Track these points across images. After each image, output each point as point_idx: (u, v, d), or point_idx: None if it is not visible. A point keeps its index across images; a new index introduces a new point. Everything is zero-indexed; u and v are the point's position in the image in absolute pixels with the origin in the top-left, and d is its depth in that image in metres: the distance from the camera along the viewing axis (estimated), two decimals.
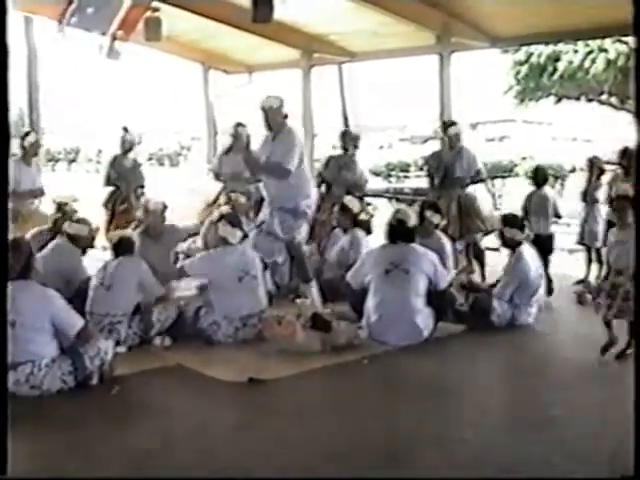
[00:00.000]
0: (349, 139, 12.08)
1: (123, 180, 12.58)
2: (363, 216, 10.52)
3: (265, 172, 9.32)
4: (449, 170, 11.07)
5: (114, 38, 12.53)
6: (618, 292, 7.29)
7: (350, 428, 5.82)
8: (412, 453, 5.41)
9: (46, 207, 11.08)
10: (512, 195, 18.56)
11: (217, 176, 12.25)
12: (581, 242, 11.26)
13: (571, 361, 7.50)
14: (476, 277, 10.45)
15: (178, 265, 9.16)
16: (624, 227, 7.73)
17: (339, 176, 11.71)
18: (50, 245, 9.05)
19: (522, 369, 7.49)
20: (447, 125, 11.52)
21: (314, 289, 9.41)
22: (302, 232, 9.48)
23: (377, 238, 9.69)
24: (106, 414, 6.23)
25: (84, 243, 9.10)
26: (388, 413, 6.15)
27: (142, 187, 12.73)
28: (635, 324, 4.30)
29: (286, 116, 9.35)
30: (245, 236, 8.73)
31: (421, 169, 11.97)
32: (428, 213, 9.63)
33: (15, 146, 11.71)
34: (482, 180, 11.42)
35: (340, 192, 11.36)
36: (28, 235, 9.44)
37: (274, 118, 9.20)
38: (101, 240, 10.35)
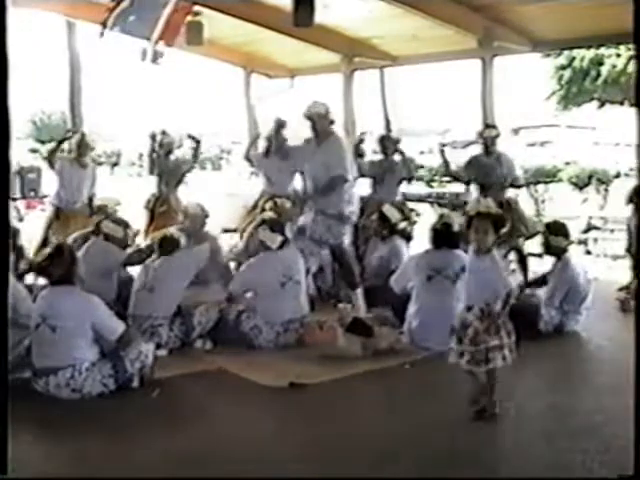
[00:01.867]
0: (389, 143, 12.01)
1: (163, 182, 12.61)
2: (402, 225, 10.42)
3: (329, 190, 9.26)
4: (488, 175, 11.04)
5: (157, 42, 12.56)
6: (467, 333, 5.96)
7: (391, 433, 5.79)
8: (452, 458, 5.38)
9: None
10: (555, 200, 18.45)
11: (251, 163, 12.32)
12: (629, 249, 11.12)
13: (615, 368, 7.39)
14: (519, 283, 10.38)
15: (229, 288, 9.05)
16: (481, 253, 6.10)
17: (383, 180, 11.66)
18: (86, 244, 9.07)
19: (566, 375, 7.42)
20: (485, 127, 11.52)
21: (360, 295, 9.36)
22: (347, 237, 9.46)
23: (418, 245, 9.65)
24: (146, 417, 6.24)
25: (119, 243, 9.11)
26: (429, 418, 6.11)
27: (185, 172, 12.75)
28: (636, 322, 4.01)
29: (332, 122, 9.32)
30: (285, 241, 8.69)
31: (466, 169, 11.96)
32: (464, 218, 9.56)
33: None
34: (519, 186, 11.37)
35: (383, 196, 11.30)
36: (70, 239, 9.51)
37: (321, 125, 9.18)
38: (142, 242, 10.40)
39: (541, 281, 9.16)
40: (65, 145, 11.85)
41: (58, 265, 6.76)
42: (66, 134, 12.29)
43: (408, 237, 10.34)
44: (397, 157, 11.92)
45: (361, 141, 12.32)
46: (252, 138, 12.99)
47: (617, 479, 4.41)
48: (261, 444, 5.72)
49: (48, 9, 13.79)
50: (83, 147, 11.78)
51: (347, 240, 9.46)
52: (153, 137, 12.66)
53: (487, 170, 11.12)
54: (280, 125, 11.16)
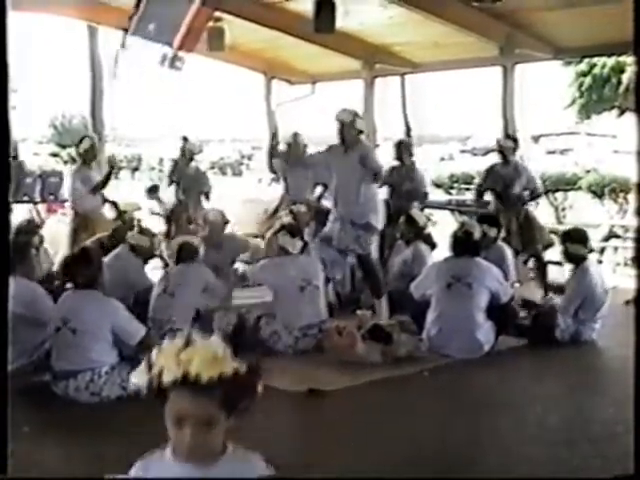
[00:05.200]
0: (404, 149, 12.01)
1: (181, 189, 12.64)
2: (428, 229, 10.41)
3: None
4: (507, 186, 11.02)
5: (179, 49, 12.60)
6: None
7: (409, 440, 5.78)
8: (470, 466, 5.38)
9: (110, 214, 11.17)
10: (576, 208, 18.39)
11: (277, 176, 12.43)
12: None
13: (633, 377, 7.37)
14: (538, 290, 10.37)
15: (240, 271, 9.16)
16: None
17: (401, 187, 11.66)
18: (112, 253, 9.13)
19: (584, 385, 7.40)
20: (505, 138, 11.50)
21: (384, 303, 9.35)
22: (373, 247, 9.47)
23: (440, 252, 9.64)
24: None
25: (145, 253, 9.17)
26: (447, 426, 6.09)
27: (207, 193, 12.74)
28: (635, 322, 3.91)
29: (361, 132, 9.32)
30: (305, 245, 8.72)
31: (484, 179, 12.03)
32: (484, 227, 9.57)
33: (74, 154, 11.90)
34: (538, 196, 11.35)
35: (402, 203, 11.31)
36: (88, 242, 9.56)
37: (349, 131, 9.17)
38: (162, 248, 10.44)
39: (560, 290, 9.16)
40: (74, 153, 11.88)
41: (84, 269, 6.82)
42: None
43: (432, 245, 10.31)
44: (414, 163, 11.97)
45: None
46: (269, 150, 13.09)
47: (617, 479, 4.40)
48: (277, 449, 5.72)
49: (68, 14, 13.88)
50: (92, 153, 11.77)
51: (373, 250, 9.47)
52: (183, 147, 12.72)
53: (505, 181, 11.10)
54: (296, 138, 11.33)
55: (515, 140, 11.56)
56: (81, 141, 11.98)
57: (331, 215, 9.49)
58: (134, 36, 11.98)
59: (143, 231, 9.42)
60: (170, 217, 12.53)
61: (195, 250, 8.66)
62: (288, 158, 11.86)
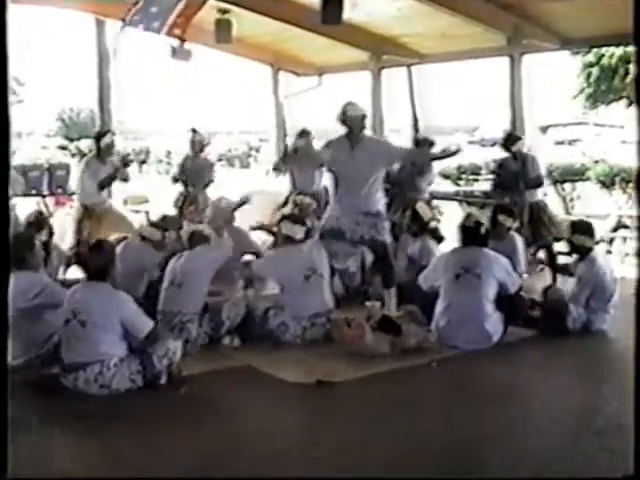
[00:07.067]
0: (424, 144, 12.00)
1: (192, 181, 12.64)
2: (434, 223, 10.38)
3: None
4: (516, 179, 11.03)
5: (170, 34, 12.61)
6: None
7: (417, 431, 5.77)
8: (478, 459, 5.38)
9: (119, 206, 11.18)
10: (584, 199, 18.36)
11: (279, 171, 12.41)
12: None
13: None
14: (548, 281, 10.35)
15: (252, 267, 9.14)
16: None
17: (413, 180, 11.66)
18: (123, 243, 9.14)
19: (593, 376, 7.37)
20: (511, 140, 11.47)
21: (392, 294, 9.33)
22: (389, 235, 9.41)
23: (448, 244, 9.62)
24: (174, 414, 6.25)
25: (155, 247, 9.16)
26: (455, 418, 6.08)
27: (208, 184, 12.76)
28: (636, 320, 3.84)
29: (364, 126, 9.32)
30: (309, 231, 8.70)
31: (493, 172, 12.02)
32: (501, 217, 9.56)
33: (91, 146, 11.86)
34: (540, 184, 11.34)
35: (413, 196, 11.30)
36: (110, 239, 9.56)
37: (357, 126, 9.12)
38: None
39: (567, 271, 9.15)
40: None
41: (94, 261, 6.82)
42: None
43: (439, 238, 10.29)
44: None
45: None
46: (282, 152, 13.11)
47: (619, 479, 4.40)
48: (288, 441, 5.73)
49: (75, 7, 13.91)
50: (111, 147, 11.78)
51: (389, 238, 9.39)
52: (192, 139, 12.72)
53: (516, 175, 11.10)
54: (305, 134, 11.33)
55: (520, 139, 11.57)
56: (103, 135, 11.98)
57: (334, 210, 9.37)
58: (135, 27, 12.03)
59: (154, 224, 9.42)
60: (181, 208, 12.56)
61: (205, 238, 8.62)
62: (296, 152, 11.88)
